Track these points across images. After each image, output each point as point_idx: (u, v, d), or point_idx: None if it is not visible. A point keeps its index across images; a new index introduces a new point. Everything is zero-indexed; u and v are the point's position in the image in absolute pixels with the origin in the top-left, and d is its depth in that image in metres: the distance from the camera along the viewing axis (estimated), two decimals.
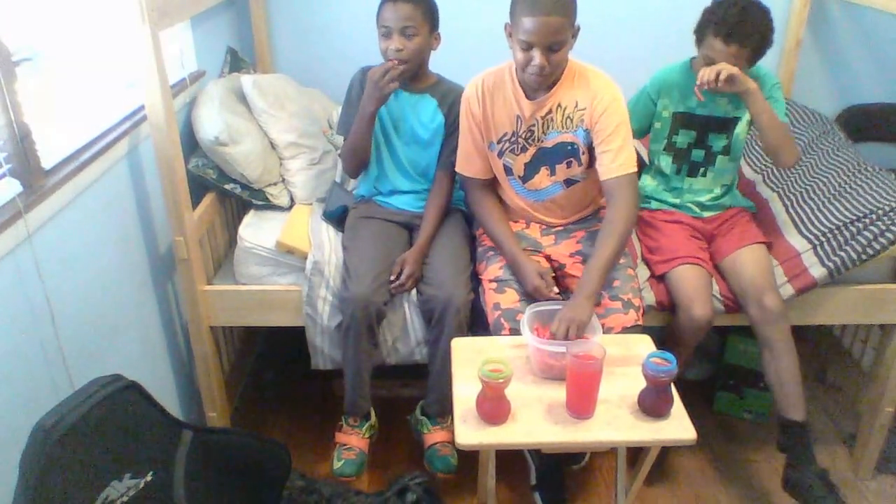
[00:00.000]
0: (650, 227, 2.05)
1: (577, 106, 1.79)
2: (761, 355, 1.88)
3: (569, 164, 1.87)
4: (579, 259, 1.88)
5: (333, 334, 1.90)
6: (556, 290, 1.79)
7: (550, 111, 1.81)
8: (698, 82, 1.81)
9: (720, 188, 2.05)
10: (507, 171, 1.91)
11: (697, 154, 2.02)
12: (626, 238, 1.77)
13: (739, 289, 1.87)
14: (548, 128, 1.83)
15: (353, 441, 1.93)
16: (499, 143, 1.87)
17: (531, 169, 1.89)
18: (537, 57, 1.65)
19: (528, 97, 1.80)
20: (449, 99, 1.99)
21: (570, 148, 1.84)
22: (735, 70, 1.77)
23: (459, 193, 2.14)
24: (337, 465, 1.89)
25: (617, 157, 1.76)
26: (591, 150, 1.84)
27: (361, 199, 2.12)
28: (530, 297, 1.79)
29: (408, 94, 2.00)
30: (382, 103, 1.90)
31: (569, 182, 1.90)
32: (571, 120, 1.81)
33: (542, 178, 1.90)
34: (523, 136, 1.84)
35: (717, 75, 1.77)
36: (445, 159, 2.02)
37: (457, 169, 1.96)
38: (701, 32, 1.87)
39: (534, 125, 1.83)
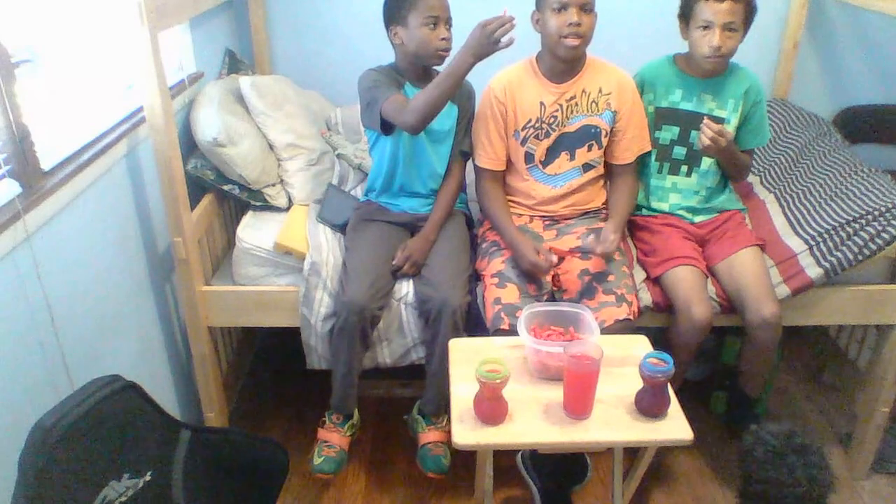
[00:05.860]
0: (644, 231, 2.06)
1: (601, 91, 1.92)
2: (743, 346, 1.93)
3: (589, 148, 1.97)
4: (578, 254, 1.90)
5: (328, 335, 1.90)
6: (554, 259, 1.82)
7: (574, 96, 1.92)
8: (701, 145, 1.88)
9: (705, 191, 2.05)
10: (529, 158, 1.97)
11: (679, 151, 2.02)
12: (633, 204, 2.05)
13: (736, 294, 1.87)
14: (571, 112, 1.93)
15: (334, 439, 1.93)
16: (523, 130, 1.94)
17: (552, 153, 1.97)
18: (574, 14, 1.77)
19: (552, 82, 1.91)
20: (463, 91, 1.99)
21: (593, 131, 1.95)
22: (730, 135, 1.90)
23: (463, 196, 2.15)
24: (317, 461, 1.89)
25: (631, 145, 1.97)
26: (612, 133, 1.96)
27: (366, 200, 2.12)
28: (531, 294, 1.81)
29: None
30: (481, 59, 1.69)
31: (586, 167, 2.00)
32: (597, 104, 1.93)
33: (562, 163, 1.98)
34: (547, 121, 1.92)
35: (718, 134, 1.83)
36: (457, 146, 2.03)
37: (473, 160, 2.01)
38: (687, 7, 1.89)
39: (557, 110, 1.92)
